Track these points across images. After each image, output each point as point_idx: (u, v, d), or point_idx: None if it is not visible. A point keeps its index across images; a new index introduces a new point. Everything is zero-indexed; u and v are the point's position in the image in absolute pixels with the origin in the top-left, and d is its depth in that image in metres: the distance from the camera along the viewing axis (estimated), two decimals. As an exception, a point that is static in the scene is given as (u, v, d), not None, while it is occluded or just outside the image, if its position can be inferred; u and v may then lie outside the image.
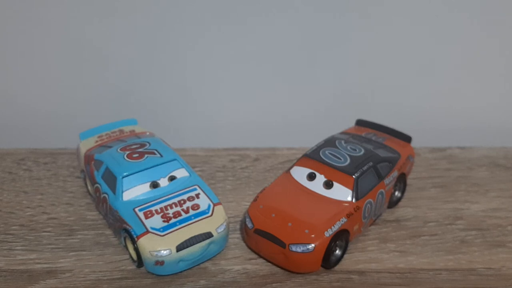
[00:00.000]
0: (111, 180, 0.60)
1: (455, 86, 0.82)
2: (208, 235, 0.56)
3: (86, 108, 0.83)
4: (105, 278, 0.56)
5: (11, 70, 0.81)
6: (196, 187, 0.60)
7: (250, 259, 0.59)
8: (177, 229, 0.55)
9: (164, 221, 0.56)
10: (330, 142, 0.65)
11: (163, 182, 0.60)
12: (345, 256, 0.59)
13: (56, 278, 0.56)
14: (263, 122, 0.84)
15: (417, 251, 0.60)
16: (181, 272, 0.57)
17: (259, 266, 0.58)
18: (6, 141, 0.80)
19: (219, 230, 0.57)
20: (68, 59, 0.80)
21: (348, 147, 0.63)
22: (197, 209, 0.58)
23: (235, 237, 0.62)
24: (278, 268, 0.58)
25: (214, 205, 0.59)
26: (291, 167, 0.63)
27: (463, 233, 0.63)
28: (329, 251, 0.55)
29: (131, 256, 0.58)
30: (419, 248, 0.61)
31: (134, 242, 0.55)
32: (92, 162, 0.63)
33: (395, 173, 0.64)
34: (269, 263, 0.58)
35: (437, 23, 0.78)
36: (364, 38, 0.79)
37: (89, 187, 0.65)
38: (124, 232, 0.57)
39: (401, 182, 0.66)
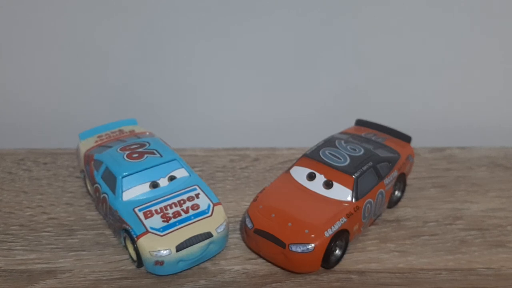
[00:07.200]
0: (111, 180, 0.60)
1: (455, 86, 0.82)
2: (208, 235, 0.56)
3: (86, 108, 0.83)
4: (105, 278, 0.56)
5: (11, 70, 0.81)
6: (196, 187, 0.60)
7: (250, 259, 0.59)
8: (177, 229, 0.55)
9: (163, 221, 0.56)
10: (330, 142, 0.65)
11: (163, 182, 0.60)
12: (345, 256, 0.59)
13: (55, 278, 0.56)
14: (263, 122, 0.84)
15: (417, 251, 0.60)
16: (181, 272, 0.57)
17: (259, 266, 0.58)
18: (6, 141, 0.80)
19: (219, 230, 0.57)
20: (68, 59, 0.80)
21: (348, 147, 0.63)
22: (197, 209, 0.58)
23: (235, 237, 0.62)
24: (278, 268, 0.58)
25: (214, 205, 0.59)
26: (291, 167, 0.63)
27: (463, 233, 0.63)
28: (329, 251, 0.55)
29: (130, 256, 0.58)
30: (419, 248, 0.61)
31: (133, 242, 0.55)
32: (92, 162, 0.63)
33: (395, 173, 0.63)
34: (269, 263, 0.58)
35: (437, 23, 0.77)
36: (364, 38, 0.79)
37: (89, 187, 0.65)
38: (124, 232, 0.57)
39: (401, 182, 0.66)
